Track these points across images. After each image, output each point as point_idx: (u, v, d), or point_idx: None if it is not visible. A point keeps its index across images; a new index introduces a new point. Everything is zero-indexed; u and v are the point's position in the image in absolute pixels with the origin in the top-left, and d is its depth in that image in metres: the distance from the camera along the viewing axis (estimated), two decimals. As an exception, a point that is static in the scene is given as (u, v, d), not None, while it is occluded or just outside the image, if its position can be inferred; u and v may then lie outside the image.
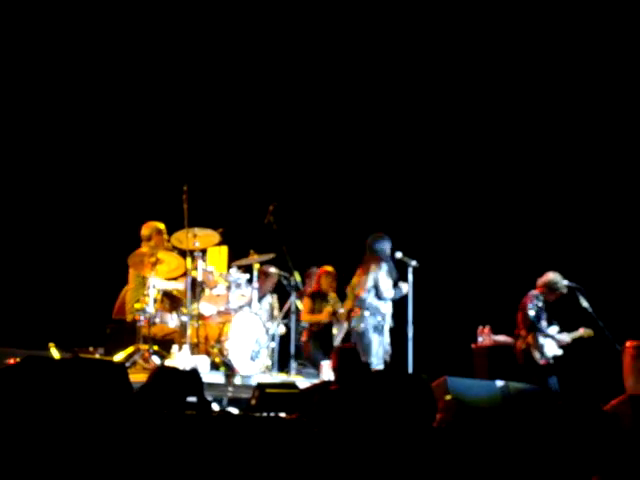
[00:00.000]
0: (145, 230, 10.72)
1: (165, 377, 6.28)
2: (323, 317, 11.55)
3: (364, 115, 14.26)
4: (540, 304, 10.93)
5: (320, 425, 6.19)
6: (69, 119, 13.24)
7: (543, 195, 13.73)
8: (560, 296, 11.02)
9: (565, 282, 10.98)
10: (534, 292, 11.00)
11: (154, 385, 6.24)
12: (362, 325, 10.83)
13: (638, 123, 13.24)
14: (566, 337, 10.96)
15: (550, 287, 11.00)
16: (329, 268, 11.88)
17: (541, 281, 11.04)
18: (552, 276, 11.03)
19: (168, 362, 9.75)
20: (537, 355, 10.80)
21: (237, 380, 10.20)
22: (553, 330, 10.94)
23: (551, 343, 10.86)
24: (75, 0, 13.11)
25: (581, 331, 11.02)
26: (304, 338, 11.93)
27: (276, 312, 11.79)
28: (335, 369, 7.90)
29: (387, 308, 10.96)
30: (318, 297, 11.77)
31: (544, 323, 10.91)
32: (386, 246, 11.05)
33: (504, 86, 13.85)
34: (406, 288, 11.02)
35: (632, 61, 13.24)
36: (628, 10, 13.09)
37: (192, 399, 6.26)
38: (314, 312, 11.70)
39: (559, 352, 10.91)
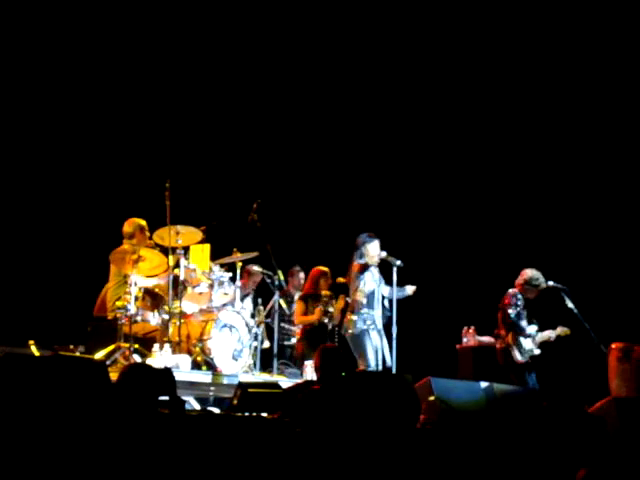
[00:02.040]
0: (127, 227, 10.64)
1: (136, 375, 6.20)
2: (314, 317, 11.39)
3: (348, 113, 14.23)
4: (520, 302, 10.90)
5: (302, 425, 6.13)
6: (50, 115, 13.15)
7: (527, 195, 13.74)
8: (539, 293, 10.98)
9: (550, 282, 10.95)
10: (513, 290, 10.97)
11: (125, 383, 6.15)
12: (350, 330, 10.82)
13: (626, 123, 13.23)
14: (550, 333, 10.93)
15: (529, 284, 10.96)
16: (324, 268, 11.68)
17: (520, 279, 11.01)
18: (530, 273, 10.99)
19: (149, 360, 9.67)
20: (517, 354, 10.77)
21: (219, 379, 10.11)
22: (532, 329, 10.91)
23: (529, 342, 10.83)
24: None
25: (559, 330, 10.98)
26: (298, 337, 11.83)
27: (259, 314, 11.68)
28: (317, 368, 7.84)
29: (376, 312, 10.90)
30: (310, 298, 11.60)
31: (524, 322, 10.88)
32: (371, 247, 10.98)
33: (491, 85, 13.83)
34: (411, 290, 11.01)
35: (632, 61, 13.23)
36: (628, 10, 13.08)
37: (165, 398, 6.17)
38: (306, 314, 11.57)
39: (537, 351, 10.87)
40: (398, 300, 10.81)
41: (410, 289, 11.06)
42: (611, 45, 13.26)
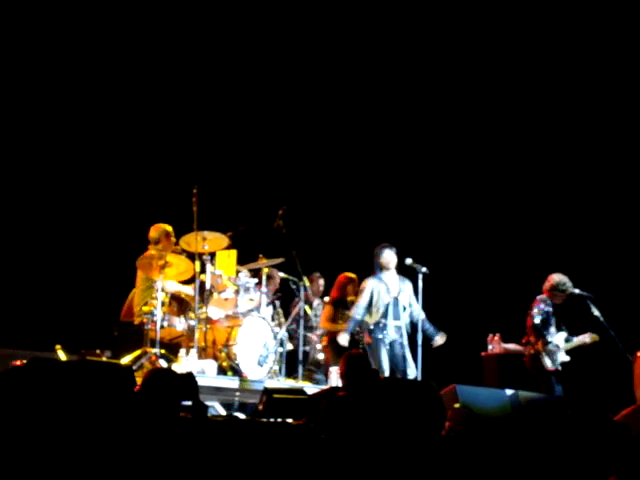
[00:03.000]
0: (153, 232, 10.67)
1: (159, 380, 6.23)
2: (345, 326, 11.23)
3: (378, 119, 14.22)
4: (547, 308, 10.85)
5: (327, 431, 6.14)
6: (79, 121, 13.22)
7: (554, 203, 13.68)
8: (567, 298, 10.93)
9: (576, 290, 10.90)
10: (541, 297, 10.94)
11: (148, 388, 6.18)
12: (369, 339, 10.77)
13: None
14: (585, 338, 10.87)
15: (556, 289, 10.91)
16: (352, 275, 11.57)
17: (547, 284, 10.96)
18: (557, 278, 10.95)
19: (175, 366, 9.70)
20: (547, 361, 10.73)
21: (244, 385, 10.13)
22: (561, 336, 10.87)
23: (560, 349, 10.79)
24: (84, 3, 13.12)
25: (588, 336, 10.93)
26: (324, 343, 11.75)
27: (281, 319, 11.66)
28: (343, 375, 7.83)
29: (390, 322, 10.81)
30: (340, 305, 11.49)
31: (552, 329, 10.84)
32: (376, 257, 10.93)
33: (516, 96, 13.81)
34: (438, 343, 10.94)
35: (632, 61, 13.20)
36: (628, 10, 13.04)
37: (188, 402, 6.20)
38: (335, 320, 11.43)
39: (566, 358, 10.84)
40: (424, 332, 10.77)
41: (438, 341, 10.96)
42: (612, 45, 13.22)
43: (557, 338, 10.85)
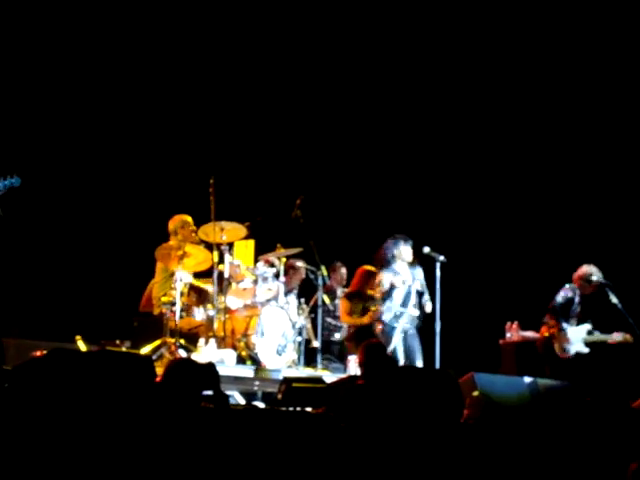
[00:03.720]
0: (172, 224, 10.71)
1: (181, 370, 6.27)
2: (366, 320, 11.11)
3: (395, 107, 14.19)
4: (571, 296, 10.85)
5: (346, 420, 6.17)
6: (99, 114, 13.26)
7: (574, 189, 13.63)
8: (596, 289, 10.90)
9: (594, 277, 10.87)
10: (571, 284, 10.94)
11: (170, 378, 6.22)
12: (380, 326, 10.75)
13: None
14: (617, 337, 10.83)
15: (584, 279, 10.90)
16: (372, 268, 11.39)
17: (577, 274, 10.95)
18: (586, 269, 10.93)
19: (194, 356, 9.74)
20: (556, 346, 10.74)
21: (263, 374, 10.16)
22: (582, 328, 10.85)
23: (578, 339, 10.77)
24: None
25: (620, 336, 10.87)
26: (347, 336, 11.73)
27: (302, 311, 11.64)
28: (362, 364, 7.85)
29: (410, 310, 10.83)
30: (356, 297, 11.44)
31: (573, 319, 10.84)
32: (398, 247, 10.93)
33: (530, 85, 13.79)
34: (428, 308, 10.93)
35: (632, 61, 13.17)
36: (628, 10, 13.00)
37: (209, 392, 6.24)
38: (352, 314, 11.42)
39: (584, 350, 10.81)
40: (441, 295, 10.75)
41: (427, 307, 10.94)
42: (613, 45, 13.19)
43: (574, 329, 10.82)
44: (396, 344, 10.63)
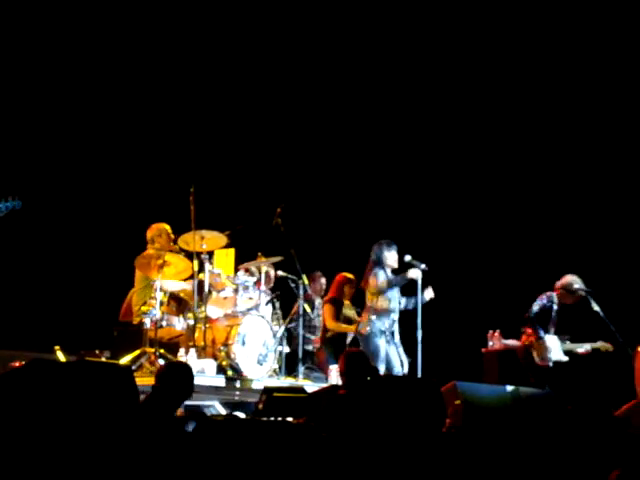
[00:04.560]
0: (149, 232, 10.70)
1: (176, 374, 6.28)
2: (351, 329, 11.15)
3: (375, 117, 14.21)
4: (549, 304, 10.87)
5: (328, 429, 6.13)
6: (76, 120, 13.21)
7: (554, 198, 13.66)
8: (578, 300, 10.90)
9: (576, 285, 10.88)
10: (549, 293, 10.94)
11: (164, 381, 6.21)
12: (368, 328, 10.71)
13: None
14: (595, 344, 10.87)
15: (565, 289, 10.91)
16: (350, 275, 11.51)
17: (559, 283, 10.96)
18: (569, 278, 10.94)
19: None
20: (535, 356, 10.75)
21: (244, 384, 10.12)
22: (558, 338, 10.89)
23: (556, 347, 10.79)
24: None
25: (599, 344, 10.91)
26: (317, 344, 11.74)
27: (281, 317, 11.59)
28: (343, 373, 7.82)
29: (395, 314, 10.86)
30: (337, 304, 11.50)
31: (551, 327, 10.86)
32: (383, 252, 10.94)
33: (514, 95, 13.81)
34: (428, 296, 10.92)
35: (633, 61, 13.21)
36: (628, 10, 13.03)
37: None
38: (338, 320, 11.42)
39: (563, 358, 10.83)
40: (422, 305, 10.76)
41: (427, 295, 10.97)
42: (613, 45, 13.23)
43: (552, 338, 10.84)
44: (379, 345, 10.63)
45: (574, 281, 10.90)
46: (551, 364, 10.78)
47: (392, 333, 10.79)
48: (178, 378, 6.59)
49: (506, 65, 13.81)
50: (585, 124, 13.58)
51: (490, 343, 11.64)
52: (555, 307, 10.88)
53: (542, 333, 10.78)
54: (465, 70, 13.98)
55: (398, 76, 14.13)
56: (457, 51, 13.93)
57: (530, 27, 13.55)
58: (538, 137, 13.82)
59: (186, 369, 6.83)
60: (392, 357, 10.73)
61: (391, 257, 10.93)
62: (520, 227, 13.68)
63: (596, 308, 10.65)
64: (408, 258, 10.84)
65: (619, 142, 13.40)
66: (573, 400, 8.86)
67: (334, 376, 10.29)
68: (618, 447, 6.60)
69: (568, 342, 10.89)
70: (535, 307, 10.85)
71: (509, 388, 8.44)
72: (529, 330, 10.84)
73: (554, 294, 10.94)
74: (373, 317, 10.73)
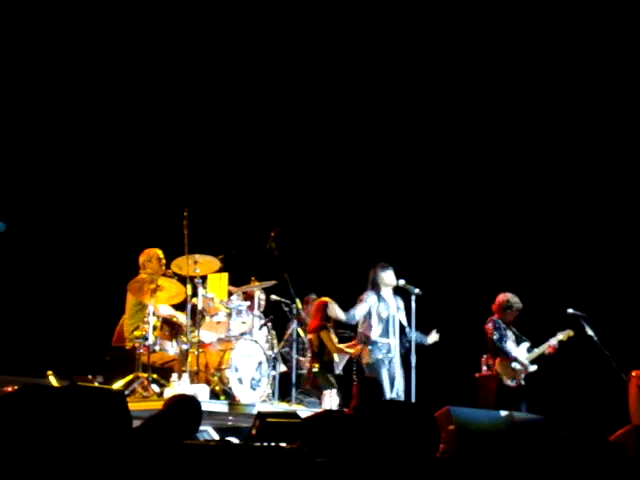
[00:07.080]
0: (141, 257, 10.69)
1: (184, 407, 6.25)
2: (355, 352, 11.15)
3: (367, 142, 14.24)
4: (500, 326, 11.12)
5: (324, 454, 6.09)
6: (68, 144, 13.21)
7: (546, 224, 13.70)
8: (519, 313, 11.18)
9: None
10: (491, 318, 11.24)
11: (171, 414, 6.18)
12: (366, 359, 10.76)
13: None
14: (550, 343, 10.99)
15: (504, 308, 11.21)
16: (326, 299, 11.44)
17: (495, 305, 11.31)
18: (503, 297, 11.28)
19: (168, 390, 9.64)
20: (506, 379, 10.83)
21: (237, 409, 10.08)
22: (522, 348, 11.11)
23: (518, 364, 10.89)
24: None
25: (560, 335, 11.03)
26: (308, 367, 11.71)
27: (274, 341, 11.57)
28: (356, 395, 7.85)
29: (392, 341, 10.86)
30: (328, 328, 11.54)
31: (511, 344, 11.07)
32: (378, 275, 10.97)
33: (506, 111, 13.85)
34: (432, 340, 10.99)
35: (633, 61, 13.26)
36: (628, 10, 13.09)
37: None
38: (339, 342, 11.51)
39: (532, 368, 11.05)
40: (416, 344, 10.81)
41: (432, 339, 11.02)
42: (613, 45, 13.27)
43: (518, 352, 11.03)
44: (382, 375, 10.64)
45: (507, 298, 11.20)
46: (523, 382, 10.96)
47: (391, 359, 10.80)
48: (187, 412, 6.53)
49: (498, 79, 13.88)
50: (560, 152, 13.66)
51: (484, 368, 11.68)
52: (504, 325, 11.12)
53: (513, 353, 11.00)
54: (446, 96, 14.03)
55: (385, 103, 14.17)
56: (452, 68, 13.99)
57: (530, 27, 13.59)
58: (521, 165, 13.89)
59: (196, 404, 6.75)
60: (394, 382, 10.76)
61: (387, 276, 10.98)
62: (513, 255, 13.71)
63: (590, 333, 10.70)
64: (402, 283, 10.88)
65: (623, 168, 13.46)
66: (567, 425, 8.85)
67: (327, 401, 10.28)
68: (613, 472, 6.58)
69: (535, 349, 11.10)
70: (495, 336, 11.08)
71: (503, 413, 8.44)
72: (497, 359, 10.95)
73: (495, 318, 11.16)
74: (370, 347, 10.74)
